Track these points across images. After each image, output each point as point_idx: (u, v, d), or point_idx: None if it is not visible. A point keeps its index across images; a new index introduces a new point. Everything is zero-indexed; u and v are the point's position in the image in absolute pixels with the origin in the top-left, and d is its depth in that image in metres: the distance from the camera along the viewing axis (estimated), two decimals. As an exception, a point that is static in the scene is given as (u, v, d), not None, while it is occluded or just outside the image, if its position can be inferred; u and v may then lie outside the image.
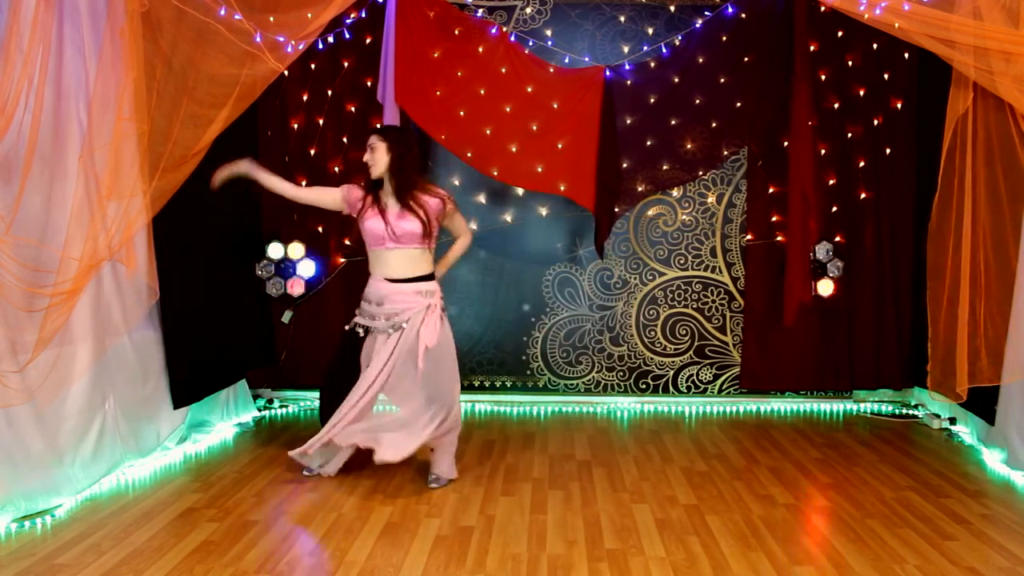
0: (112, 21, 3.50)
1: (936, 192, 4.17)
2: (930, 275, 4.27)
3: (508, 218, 5.31)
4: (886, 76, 5.11)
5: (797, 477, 3.84)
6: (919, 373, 5.08)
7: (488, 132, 4.87)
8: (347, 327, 3.78)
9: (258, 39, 3.79)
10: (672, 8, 5.14)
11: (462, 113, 4.85)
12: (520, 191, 5.25)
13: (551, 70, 4.96)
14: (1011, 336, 3.79)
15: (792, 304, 4.92)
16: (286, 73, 4.37)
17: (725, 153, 5.11)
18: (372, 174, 3.67)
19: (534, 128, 4.84)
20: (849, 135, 5.16)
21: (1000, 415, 3.97)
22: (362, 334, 3.69)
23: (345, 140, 5.19)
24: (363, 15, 4.80)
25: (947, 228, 4.09)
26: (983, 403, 4.06)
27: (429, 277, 3.69)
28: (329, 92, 5.13)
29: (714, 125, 5.05)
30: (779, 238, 5.20)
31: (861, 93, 5.13)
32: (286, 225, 5.22)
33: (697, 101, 5.03)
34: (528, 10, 5.19)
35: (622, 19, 5.19)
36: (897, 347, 5.21)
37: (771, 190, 5.20)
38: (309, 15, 3.98)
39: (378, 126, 3.84)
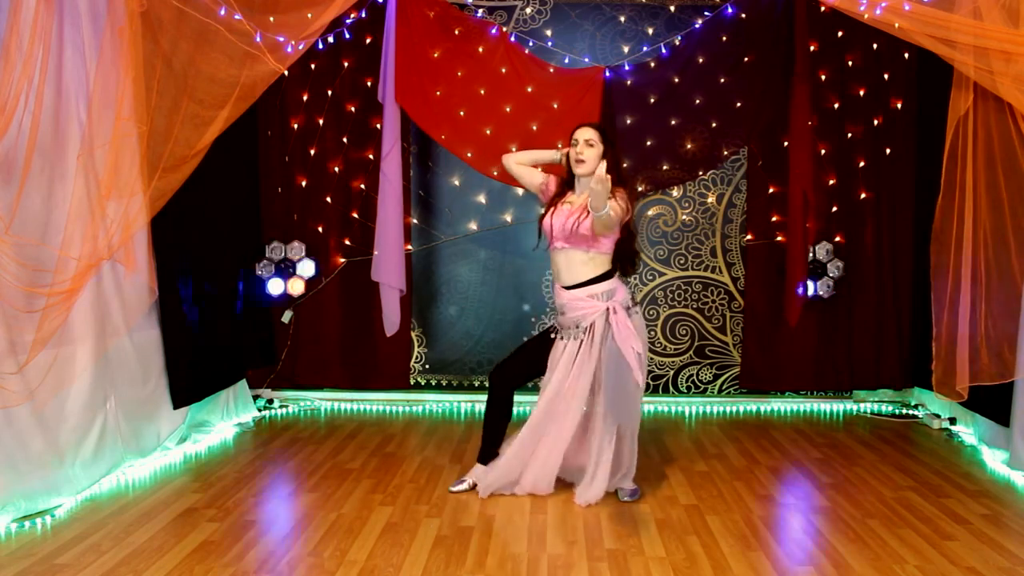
0: (112, 21, 3.50)
1: (940, 193, 4.17)
2: (933, 275, 4.27)
3: (508, 218, 5.31)
4: (886, 76, 5.11)
5: (797, 477, 3.84)
6: (919, 373, 5.09)
7: (488, 132, 4.86)
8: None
9: (258, 39, 3.79)
10: (672, 8, 5.14)
11: (462, 113, 4.85)
12: (520, 191, 5.24)
13: (551, 70, 4.96)
14: (1021, 335, 3.77)
15: (795, 304, 4.93)
16: (286, 73, 4.37)
17: (725, 153, 5.12)
18: (580, 170, 3.49)
19: (534, 128, 4.84)
20: (849, 135, 5.16)
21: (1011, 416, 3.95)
22: (553, 336, 3.57)
23: (345, 140, 5.19)
24: (363, 15, 4.80)
25: (950, 228, 4.09)
26: (988, 404, 4.05)
27: (604, 276, 3.48)
28: (329, 92, 5.14)
29: (714, 125, 5.05)
30: (779, 238, 5.21)
31: (861, 93, 5.13)
32: (286, 225, 5.23)
33: (697, 101, 5.03)
34: (528, 10, 5.19)
35: (622, 19, 5.19)
36: (897, 347, 5.21)
37: (771, 190, 5.20)
38: (309, 15, 3.99)
39: (594, 123, 3.65)
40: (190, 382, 4.21)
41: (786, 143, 5.08)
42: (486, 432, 3.67)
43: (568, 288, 3.50)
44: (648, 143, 5.05)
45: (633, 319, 3.45)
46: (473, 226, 5.32)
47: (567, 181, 3.63)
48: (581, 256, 3.47)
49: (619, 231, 3.50)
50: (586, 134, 3.53)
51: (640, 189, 5.14)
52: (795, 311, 4.97)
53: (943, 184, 4.14)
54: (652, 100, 5.04)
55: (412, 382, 5.37)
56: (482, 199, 5.30)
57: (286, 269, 5.19)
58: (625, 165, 5.03)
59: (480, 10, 5.12)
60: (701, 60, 5.01)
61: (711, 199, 5.30)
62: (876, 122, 5.14)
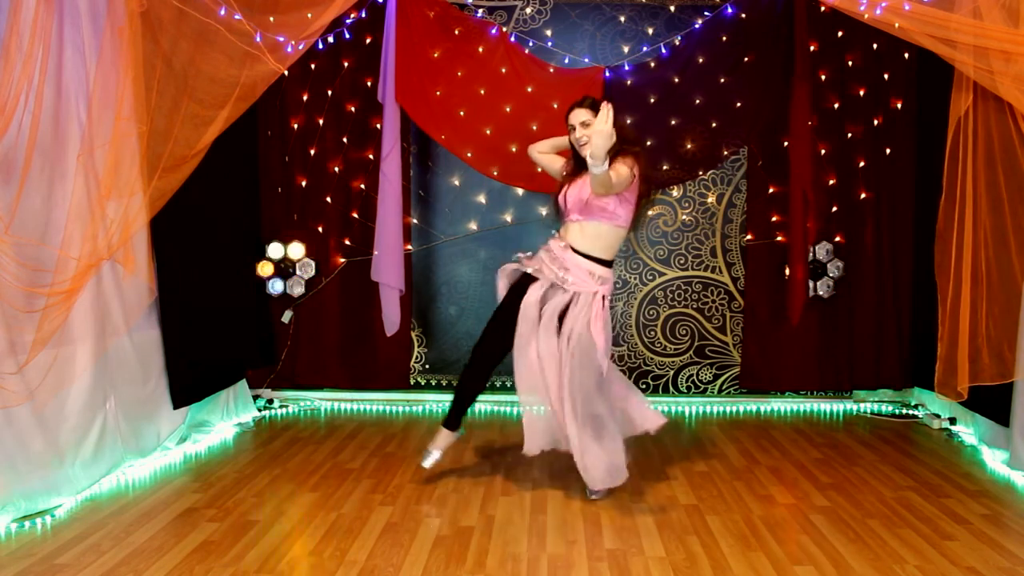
0: (112, 21, 3.50)
1: (942, 193, 4.16)
2: (938, 275, 4.27)
3: (508, 218, 5.30)
4: (886, 76, 5.11)
5: (797, 477, 3.84)
6: (919, 373, 5.09)
7: (488, 132, 4.87)
8: (515, 264, 3.64)
9: (258, 39, 3.79)
10: (672, 8, 5.14)
11: (462, 113, 4.85)
12: (520, 191, 5.25)
13: (551, 70, 4.96)
14: (1021, 335, 3.77)
15: (798, 303, 4.93)
16: (286, 73, 4.38)
17: (725, 153, 5.12)
18: (587, 152, 3.30)
19: (534, 128, 4.84)
20: (849, 135, 5.15)
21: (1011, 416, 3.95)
22: (523, 271, 3.56)
23: (345, 140, 5.19)
24: (363, 15, 4.81)
25: (952, 228, 4.09)
26: (988, 404, 4.05)
27: (606, 263, 3.50)
28: (329, 92, 5.13)
29: (714, 125, 5.05)
30: (779, 238, 5.21)
31: (861, 93, 5.13)
32: (286, 225, 5.23)
33: (697, 101, 5.03)
34: (528, 10, 5.19)
35: (622, 19, 5.19)
36: (897, 347, 5.21)
37: (771, 190, 5.20)
38: (309, 16, 3.99)
39: (585, 99, 3.55)
40: (190, 382, 4.21)
41: (786, 143, 5.08)
42: (459, 399, 3.69)
43: (575, 251, 3.49)
44: (648, 143, 5.05)
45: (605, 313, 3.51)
46: (473, 226, 5.32)
47: (579, 162, 3.61)
48: (596, 228, 3.47)
49: (634, 200, 3.50)
50: (580, 116, 3.51)
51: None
52: (797, 310, 4.98)
53: (945, 184, 4.14)
54: (652, 100, 5.04)
55: (412, 382, 5.37)
56: (482, 199, 5.30)
57: (286, 269, 5.19)
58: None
59: (480, 10, 5.12)
60: (701, 60, 5.01)
61: (711, 199, 5.30)
62: (876, 122, 5.14)
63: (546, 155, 3.83)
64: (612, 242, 3.52)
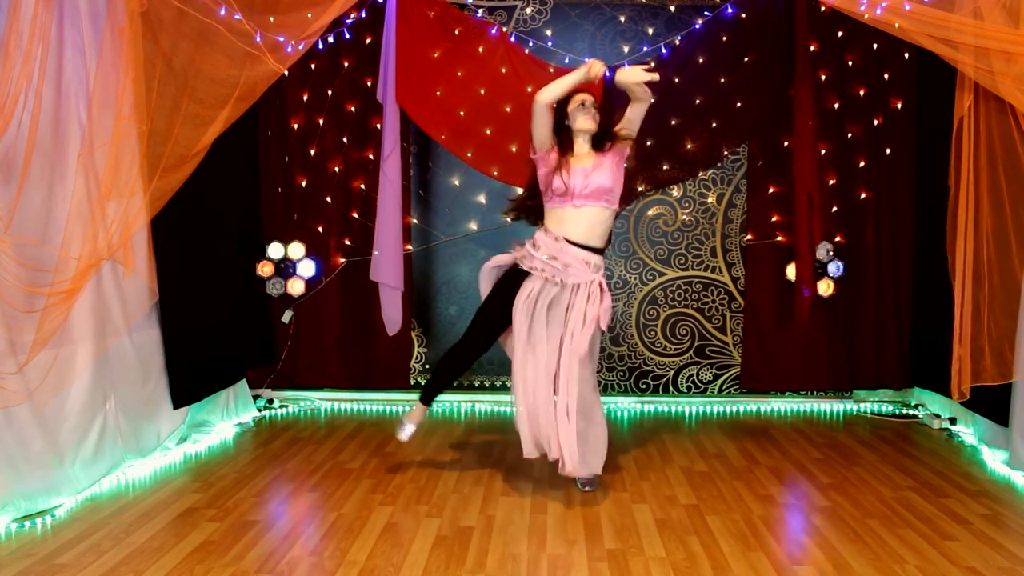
0: (112, 20, 3.50)
1: (948, 193, 4.15)
2: (952, 275, 4.26)
3: (508, 218, 5.30)
4: (886, 76, 5.11)
5: (797, 477, 3.84)
6: (919, 373, 5.09)
7: (488, 132, 4.87)
8: (497, 261, 3.74)
9: (258, 39, 3.79)
10: (672, 8, 5.14)
11: (462, 113, 4.85)
12: (520, 191, 5.23)
13: (551, 70, 4.95)
14: (1020, 335, 3.77)
15: (805, 304, 4.92)
16: (286, 73, 4.38)
17: (725, 153, 5.12)
18: (591, 125, 3.61)
19: (534, 128, 4.84)
20: (849, 135, 5.15)
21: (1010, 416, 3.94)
22: (518, 274, 3.59)
23: (345, 140, 5.19)
24: (363, 15, 4.80)
25: (954, 228, 4.09)
26: (988, 404, 4.05)
27: (601, 252, 3.60)
28: (329, 92, 5.14)
29: (714, 125, 5.05)
30: (779, 238, 5.21)
31: (861, 93, 5.13)
32: (286, 225, 5.23)
33: (697, 101, 5.03)
34: (528, 10, 5.19)
35: (622, 19, 5.19)
36: (897, 347, 5.21)
37: (771, 190, 5.20)
38: (309, 16, 3.99)
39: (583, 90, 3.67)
40: (190, 382, 4.21)
41: (786, 143, 5.08)
42: (438, 380, 3.78)
43: (571, 243, 3.53)
44: (648, 143, 5.05)
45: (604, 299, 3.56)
46: (473, 226, 5.32)
47: (563, 147, 3.62)
48: (593, 214, 3.55)
49: (623, 175, 3.69)
50: (580, 97, 3.64)
51: (640, 189, 5.14)
52: (804, 311, 4.96)
53: (952, 184, 4.13)
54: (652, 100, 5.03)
55: (412, 382, 5.37)
56: (482, 199, 5.30)
57: (286, 269, 5.19)
58: (625, 165, 5.03)
59: (480, 10, 5.12)
60: (701, 60, 5.01)
61: (711, 199, 5.30)
62: (876, 122, 5.14)
63: (550, 117, 3.59)
64: (608, 227, 3.63)
